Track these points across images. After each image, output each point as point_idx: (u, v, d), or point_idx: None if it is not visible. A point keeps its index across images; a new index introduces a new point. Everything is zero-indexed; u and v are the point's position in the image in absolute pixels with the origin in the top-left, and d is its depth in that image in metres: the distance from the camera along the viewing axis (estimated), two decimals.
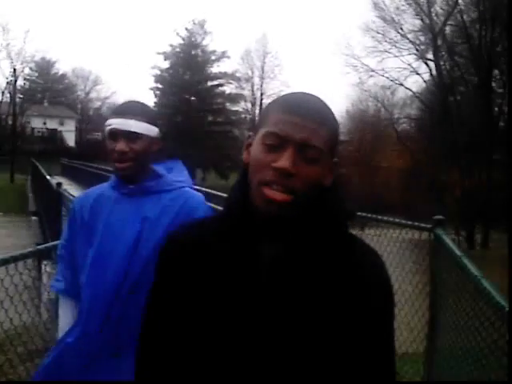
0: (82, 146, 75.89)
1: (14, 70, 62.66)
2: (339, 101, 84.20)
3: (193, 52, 68.83)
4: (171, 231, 1.81)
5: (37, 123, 76.82)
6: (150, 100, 65.44)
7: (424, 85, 45.70)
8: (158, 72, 69.99)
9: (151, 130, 2.69)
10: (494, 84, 37.96)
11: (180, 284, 1.66)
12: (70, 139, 79.46)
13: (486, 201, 31.74)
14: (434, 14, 41.78)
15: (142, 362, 1.75)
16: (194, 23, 69.01)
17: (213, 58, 70.04)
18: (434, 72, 42.39)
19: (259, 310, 1.55)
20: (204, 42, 69.66)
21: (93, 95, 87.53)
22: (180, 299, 1.65)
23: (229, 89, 70.77)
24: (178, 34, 69.17)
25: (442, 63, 41.55)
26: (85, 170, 38.02)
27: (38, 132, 76.54)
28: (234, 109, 70.61)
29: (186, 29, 68.98)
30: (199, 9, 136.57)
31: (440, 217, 5.44)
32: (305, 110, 1.53)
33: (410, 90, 46.54)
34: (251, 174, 1.57)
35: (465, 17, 39.09)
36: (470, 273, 4.11)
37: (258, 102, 68.71)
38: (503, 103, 35.71)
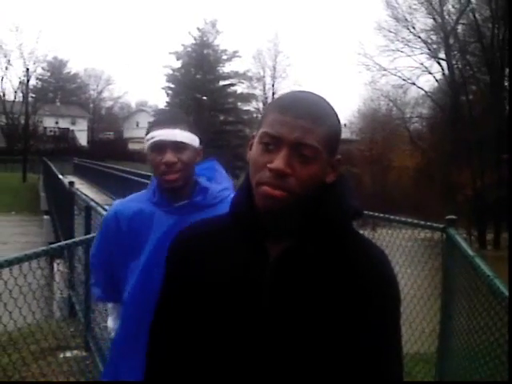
0: (94, 145, 76.15)
1: (27, 69, 62.98)
2: (351, 100, 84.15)
3: (205, 51, 68.99)
4: (180, 230, 1.83)
5: (49, 122, 77.05)
6: (162, 99, 65.59)
7: (436, 84, 45.66)
8: (170, 71, 70.31)
9: (195, 140, 2.62)
10: (506, 83, 37.84)
11: (188, 282, 1.68)
12: (82, 138, 79.66)
13: (497, 200, 31.62)
14: (446, 13, 41.74)
15: (151, 359, 1.76)
16: (206, 23, 69.22)
17: (224, 57, 70.19)
18: (446, 71, 42.33)
19: (264, 309, 1.56)
20: (216, 42, 69.89)
21: (105, 95, 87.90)
22: (188, 297, 1.66)
23: (240, 88, 70.94)
24: (190, 33, 69.45)
25: (454, 62, 41.48)
26: (96, 169, 38.16)
27: (50, 131, 76.71)
28: (245, 108, 70.73)
29: (198, 28, 69.20)
30: (211, 8, 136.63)
31: (452, 216, 5.43)
32: (298, 109, 1.53)
33: (422, 89, 46.49)
34: (251, 174, 1.59)
35: (477, 15, 39.00)
36: (482, 273, 4.09)
37: (269, 102, 68.62)
38: None
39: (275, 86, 68.30)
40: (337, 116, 1.62)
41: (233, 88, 70.82)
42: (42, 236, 21.89)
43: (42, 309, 4.59)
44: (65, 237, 11.93)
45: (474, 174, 34.78)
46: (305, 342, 1.53)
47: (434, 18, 42.64)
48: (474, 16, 39.00)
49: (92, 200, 7.58)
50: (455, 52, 41.39)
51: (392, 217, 6.54)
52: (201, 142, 2.68)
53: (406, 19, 44.78)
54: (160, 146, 2.55)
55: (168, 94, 70.12)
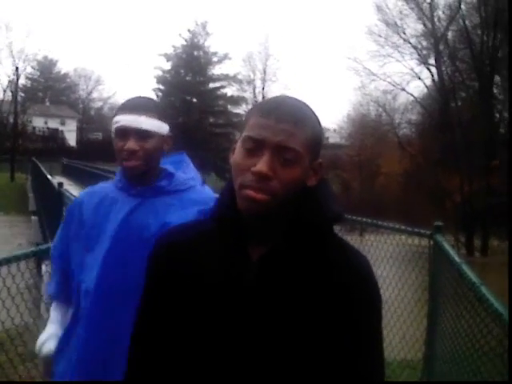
0: (83, 145, 75.82)
1: (17, 68, 62.68)
2: (340, 104, 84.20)
3: (195, 53, 69.03)
4: (160, 234, 1.84)
5: (38, 122, 76.77)
6: None
7: (425, 90, 45.72)
8: (160, 73, 70.20)
9: (163, 128, 2.52)
10: (495, 90, 37.99)
11: (169, 287, 1.69)
12: (72, 139, 79.39)
13: (485, 207, 31.71)
14: (436, 19, 41.81)
15: (132, 365, 1.76)
16: (197, 24, 69.20)
17: (215, 59, 70.26)
18: (435, 77, 42.41)
19: (247, 310, 1.58)
20: (206, 44, 69.86)
21: (94, 95, 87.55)
22: (169, 302, 1.68)
23: (230, 91, 70.94)
24: (180, 35, 69.44)
25: (443, 68, 41.56)
26: (86, 169, 38.02)
27: (39, 131, 76.46)
28: (235, 111, 70.67)
29: (189, 30, 69.23)
30: (202, 10, 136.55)
31: (439, 223, 5.46)
32: (280, 113, 1.55)
33: (412, 95, 46.53)
34: (234, 178, 1.60)
35: (467, 22, 39.10)
36: (469, 280, 4.12)
37: None
38: (504, 109, 35.67)
39: (265, 89, 68.29)
40: (318, 120, 1.65)
41: (223, 90, 70.97)
42: (30, 236, 21.79)
43: (31, 310, 4.57)
44: (53, 238, 11.89)
45: (463, 180, 34.85)
46: (286, 344, 1.55)
47: (425, 24, 42.71)
48: (464, 22, 39.10)
49: None
50: (445, 58, 41.46)
51: (380, 222, 6.57)
52: (171, 130, 2.61)
53: (397, 24, 44.85)
54: (123, 132, 2.47)
55: (158, 96, 69.96)
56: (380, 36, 46.10)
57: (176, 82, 68.17)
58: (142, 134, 2.46)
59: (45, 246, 4.90)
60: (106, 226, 2.56)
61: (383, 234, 6.59)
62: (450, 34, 41.56)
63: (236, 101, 70.47)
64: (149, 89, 72.08)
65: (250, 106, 68.54)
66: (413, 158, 42.88)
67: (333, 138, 64.85)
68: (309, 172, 1.61)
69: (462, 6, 39.12)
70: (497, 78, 37.32)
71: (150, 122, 2.47)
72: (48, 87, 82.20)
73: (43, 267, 5.11)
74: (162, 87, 70.18)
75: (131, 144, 2.45)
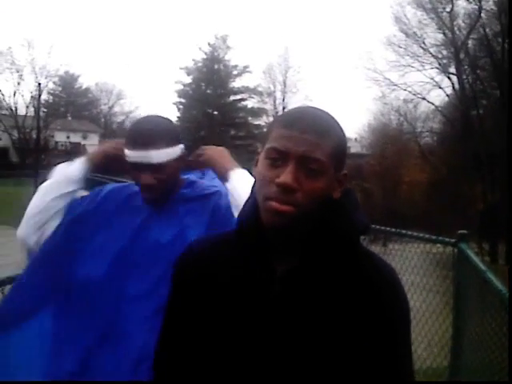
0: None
1: (39, 84, 63.16)
2: (361, 114, 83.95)
3: (215, 66, 69.13)
4: (186, 247, 1.83)
5: (60, 137, 77.24)
6: (173, 114, 65.64)
7: (446, 98, 45.50)
8: (181, 87, 70.38)
9: (175, 152, 2.45)
10: None
11: (194, 300, 1.68)
12: None
13: (509, 215, 31.45)
14: (456, 28, 41.63)
15: (158, 377, 1.77)
16: (217, 38, 69.36)
17: (235, 72, 70.27)
18: (456, 86, 42.20)
19: (272, 325, 1.56)
20: (226, 57, 69.98)
21: (116, 109, 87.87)
22: (194, 315, 1.67)
23: (251, 103, 70.91)
24: (200, 48, 69.57)
25: (464, 77, 41.34)
26: (108, 183, 38.09)
27: (62, 146, 76.87)
28: (256, 123, 70.66)
29: (209, 44, 69.35)
30: (222, 24, 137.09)
31: (464, 231, 5.42)
32: (304, 124, 1.53)
33: (433, 104, 46.34)
34: (257, 190, 1.60)
35: (487, 30, 38.90)
36: (495, 287, 4.09)
37: None
38: None
39: (285, 100, 68.25)
40: (342, 130, 1.63)
41: (243, 103, 70.93)
42: None
43: None
44: None
45: (486, 188, 34.59)
46: (314, 358, 1.53)
47: (445, 33, 42.55)
48: (485, 31, 38.89)
49: None
50: (466, 67, 41.25)
51: (404, 231, 6.53)
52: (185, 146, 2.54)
53: (416, 34, 44.75)
54: (136, 167, 2.42)
55: (179, 109, 70.27)
56: (400, 46, 46.02)
57: (197, 95, 68.30)
58: (155, 167, 2.40)
59: None
60: (120, 224, 2.52)
61: (407, 244, 6.56)
62: (470, 43, 41.36)
63: (257, 113, 70.47)
64: (169, 103, 72.27)
65: (270, 118, 68.48)
66: (435, 166, 42.66)
67: (354, 148, 64.66)
68: (334, 183, 1.59)
69: (482, 15, 38.92)
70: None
71: (160, 154, 2.39)
72: (70, 102, 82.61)
73: None
74: (183, 100, 70.35)
75: (146, 179, 2.41)
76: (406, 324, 1.64)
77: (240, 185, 2.45)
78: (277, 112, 67.51)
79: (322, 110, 1.63)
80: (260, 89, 69.73)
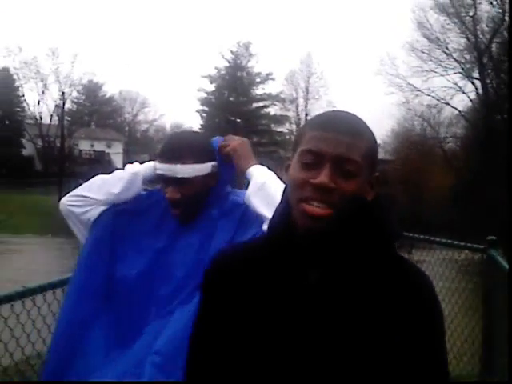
0: None
1: (63, 93, 63.85)
2: (384, 120, 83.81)
3: (238, 74, 69.28)
4: (217, 253, 1.82)
5: (84, 145, 77.76)
6: (196, 122, 65.97)
7: (470, 103, 45.37)
8: (204, 95, 70.61)
9: (202, 170, 2.49)
10: None
11: (225, 307, 1.65)
12: (118, 161, 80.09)
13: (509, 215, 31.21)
14: (479, 32, 41.55)
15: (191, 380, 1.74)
16: (239, 45, 69.55)
17: (258, 80, 70.38)
18: (480, 90, 42.06)
19: (307, 331, 1.53)
20: (249, 64, 70.11)
21: (140, 118, 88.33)
22: (225, 322, 1.64)
23: (273, 110, 70.92)
24: (223, 56, 69.78)
25: (488, 81, 41.22)
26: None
27: (86, 154, 77.43)
28: (278, 130, 70.69)
29: (232, 51, 69.53)
30: (244, 31, 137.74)
31: (493, 237, 5.36)
32: (338, 125, 1.53)
33: (456, 109, 46.25)
34: (291, 193, 1.58)
35: None
36: None
37: (302, 123, 68.16)
38: None
39: (308, 107, 68.22)
40: (373, 133, 1.63)
41: (266, 110, 70.95)
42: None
43: None
44: None
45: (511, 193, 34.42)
46: (348, 364, 1.49)
47: (468, 38, 42.52)
48: (509, 34, 38.73)
49: None
50: (489, 71, 41.17)
51: (432, 238, 6.45)
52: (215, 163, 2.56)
53: (439, 39, 44.70)
54: (164, 180, 2.50)
55: (202, 117, 70.52)
56: (422, 52, 46.01)
57: (220, 103, 68.52)
58: (180, 182, 2.45)
59: None
60: (159, 229, 2.58)
61: (435, 250, 6.50)
62: (493, 47, 41.26)
63: (279, 120, 70.51)
64: (193, 111, 72.58)
65: (293, 125, 68.62)
66: (459, 171, 42.49)
67: (378, 154, 64.57)
68: (367, 186, 1.58)
69: (506, 18, 38.78)
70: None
71: (185, 169, 2.45)
72: (94, 111, 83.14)
73: None
74: (206, 108, 70.58)
75: (170, 193, 2.47)
76: (442, 325, 1.62)
77: (262, 179, 2.48)
78: (299, 119, 67.62)
79: (351, 113, 1.63)
80: (282, 96, 69.83)
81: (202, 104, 70.79)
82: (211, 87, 70.44)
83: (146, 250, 2.54)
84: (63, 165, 57.81)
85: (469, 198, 37.41)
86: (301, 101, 69.32)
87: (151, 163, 2.66)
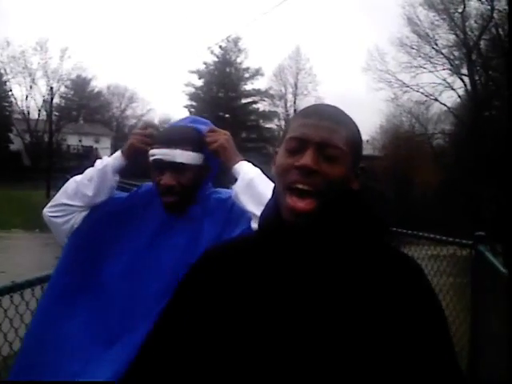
0: None
1: (51, 88, 63.53)
2: (373, 116, 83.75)
3: (227, 70, 69.18)
4: (206, 249, 1.84)
5: (73, 141, 77.46)
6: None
7: (459, 100, 45.48)
8: (193, 90, 70.47)
9: (198, 159, 2.53)
10: None
11: (204, 292, 1.66)
12: (105, 156, 79.85)
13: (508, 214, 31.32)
14: (468, 29, 41.66)
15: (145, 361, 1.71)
16: (228, 41, 69.41)
17: (246, 75, 70.28)
18: (468, 87, 42.16)
19: (292, 322, 1.53)
20: (238, 60, 70.00)
21: (128, 113, 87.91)
22: (202, 308, 1.64)
23: (262, 106, 70.85)
24: (212, 51, 69.62)
25: (476, 78, 41.33)
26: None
27: (74, 149, 77.16)
28: (267, 126, 70.67)
29: (220, 46, 69.38)
30: (233, 26, 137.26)
31: (481, 233, 5.37)
32: (321, 113, 1.60)
33: (445, 105, 46.33)
34: (277, 182, 1.62)
35: (500, 30, 38.82)
36: None
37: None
38: None
39: (297, 103, 68.13)
40: (356, 125, 1.67)
41: (255, 106, 70.90)
42: None
43: None
44: None
45: (499, 189, 34.52)
46: (342, 356, 1.49)
47: (457, 34, 42.61)
48: (497, 31, 38.84)
49: None
50: (478, 67, 41.27)
51: (420, 233, 6.46)
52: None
53: (428, 35, 44.77)
54: (159, 166, 2.49)
55: (191, 112, 70.33)
56: (412, 47, 46.06)
57: (209, 98, 68.39)
58: (178, 167, 2.47)
59: None
60: (142, 226, 2.58)
61: (424, 246, 6.51)
62: (482, 43, 41.39)
63: (268, 116, 70.45)
64: (181, 106, 72.48)
65: (282, 121, 68.57)
66: (447, 168, 42.57)
67: (366, 150, 64.51)
68: (351, 174, 1.61)
69: (495, 15, 38.89)
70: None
71: (185, 154, 2.47)
72: (82, 106, 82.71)
73: None
74: (194, 104, 70.47)
75: (167, 179, 2.48)
76: (440, 310, 1.63)
77: (249, 175, 2.50)
78: (288, 115, 67.51)
79: (336, 106, 1.69)
80: (271, 91, 69.78)
81: (191, 99, 70.66)
82: (199, 82, 70.36)
83: (129, 249, 2.54)
84: (51, 160, 57.54)
85: (457, 194, 37.51)
86: (289, 97, 69.26)
87: (118, 153, 2.68)
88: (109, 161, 2.66)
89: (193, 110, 70.04)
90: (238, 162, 2.59)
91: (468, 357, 5.42)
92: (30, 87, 71.42)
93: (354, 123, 1.65)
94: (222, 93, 69.20)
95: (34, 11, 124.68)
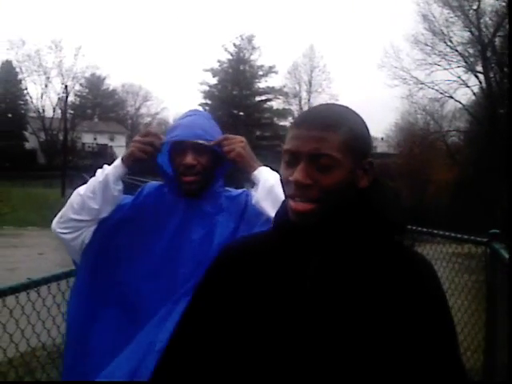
0: None
1: (66, 86, 63.79)
2: (387, 114, 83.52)
3: (241, 67, 69.23)
4: (229, 243, 1.91)
5: (87, 139, 77.83)
6: None
7: (473, 97, 45.26)
8: (207, 88, 70.53)
9: (214, 146, 2.55)
10: None
11: (226, 289, 1.70)
12: (121, 154, 79.88)
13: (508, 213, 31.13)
14: (483, 26, 41.44)
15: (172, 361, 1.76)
16: (242, 39, 69.43)
17: (260, 73, 70.30)
18: (483, 84, 41.96)
19: (305, 319, 1.56)
20: (252, 57, 70.00)
21: (143, 111, 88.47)
22: (224, 305, 1.68)
23: (276, 104, 70.93)
24: (226, 49, 69.67)
25: (491, 75, 41.11)
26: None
27: (89, 147, 77.51)
28: (281, 123, 70.65)
29: (234, 44, 69.43)
30: (247, 24, 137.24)
31: (496, 230, 5.35)
32: (310, 121, 1.57)
33: (460, 103, 46.14)
34: (283, 190, 1.64)
35: None
36: None
37: None
38: None
39: (311, 100, 68.17)
40: (359, 121, 1.64)
41: (269, 103, 70.97)
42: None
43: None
44: None
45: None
46: (348, 354, 1.51)
47: (471, 31, 42.40)
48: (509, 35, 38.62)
49: None
50: (493, 65, 41.05)
51: (435, 231, 6.43)
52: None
53: (443, 32, 44.60)
54: (180, 147, 2.53)
55: (205, 110, 70.26)
56: (426, 45, 45.90)
57: (223, 96, 68.44)
58: (199, 149, 2.51)
59: None
60: (158, 226, 2.59)
61: (438, 244, 6.48)
62: (497, 40, 41.14)
63: (282, 113, 70.47)
64: (195, 104, 72.49)
65: None
66: (462, 166, 42.40)
67: (381, 147, 64.43)
68: (356, 173, 1.60)
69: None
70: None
71: (205, 136, 2.52)
72: (96, 104, 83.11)
73: None
74: (209, 102, 70.50)
75: (189, 159, 2.51)
76: (448, 314, 1.63)
77: (270, 182, 2.50)
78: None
79: (335, 105, 1.67)
80: (285, 89, 69.80)
81: (205, 97, 70.82)
82: (214, 80, 70.43)
83: (148, 252, 2.55)
84: (66, 158, 57.77)
85: (471, 191, 37.34)
86: (304, 94, 69.33)
87: (118, 161, 2.67)
88: (109, 170, 2.63)
89: (207, 108, 70.14)
90: (257, 168, 2.60)
91: (484, 354, 5.40)
92: (45, 85, 72.02)
93: (352, 120, 1.61)
94: (237, 91, 69.26)
95: (48, 10, 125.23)
